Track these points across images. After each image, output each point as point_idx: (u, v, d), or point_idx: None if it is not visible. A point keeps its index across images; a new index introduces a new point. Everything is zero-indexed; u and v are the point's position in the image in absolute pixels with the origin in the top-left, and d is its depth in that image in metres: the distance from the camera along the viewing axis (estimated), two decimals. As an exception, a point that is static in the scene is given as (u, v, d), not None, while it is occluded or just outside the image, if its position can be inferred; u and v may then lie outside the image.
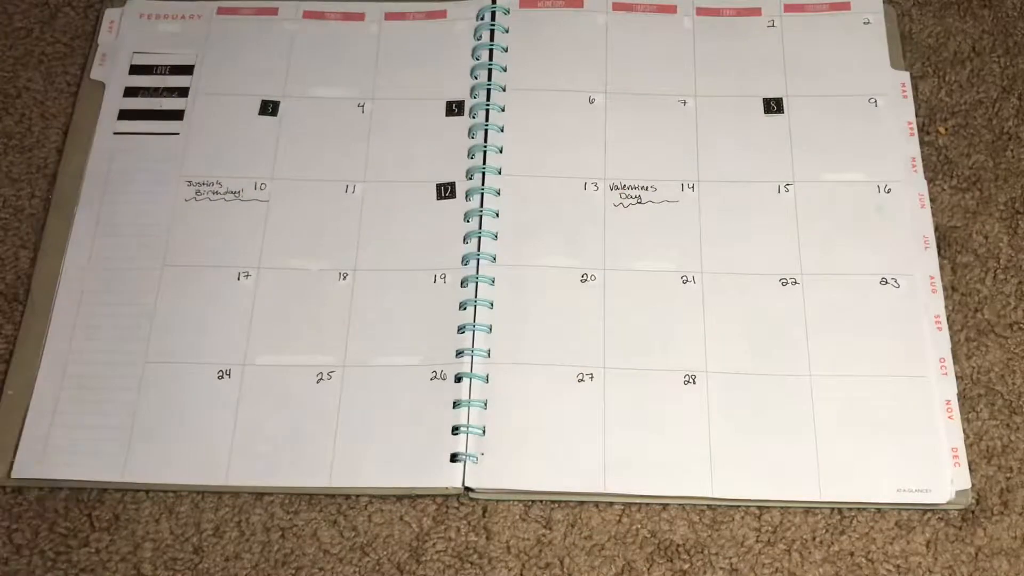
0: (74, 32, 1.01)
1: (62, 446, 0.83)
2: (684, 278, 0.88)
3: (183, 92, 0.97)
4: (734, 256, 0.89)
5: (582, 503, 0.81)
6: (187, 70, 0.98)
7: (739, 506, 0.81)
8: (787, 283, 0.87)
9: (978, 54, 0.98)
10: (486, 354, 0.85)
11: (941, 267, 0.88)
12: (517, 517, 0.81)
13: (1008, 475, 0.82)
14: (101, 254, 0.90)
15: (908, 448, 0.82)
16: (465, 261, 0.89)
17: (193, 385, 0.85)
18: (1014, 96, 0.96)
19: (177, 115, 0.96)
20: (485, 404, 0.83)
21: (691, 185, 0.91)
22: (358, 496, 0.82)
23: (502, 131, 0.94)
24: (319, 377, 0.85)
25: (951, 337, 0.86)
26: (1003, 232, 0.90)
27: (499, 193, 0.91)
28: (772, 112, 0.94)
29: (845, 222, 0.90)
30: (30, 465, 0.82)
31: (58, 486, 0.82)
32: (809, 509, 0.81)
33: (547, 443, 0.82)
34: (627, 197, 0.91)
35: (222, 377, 0.85)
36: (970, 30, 0.99)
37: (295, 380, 0.85)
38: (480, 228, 0.90)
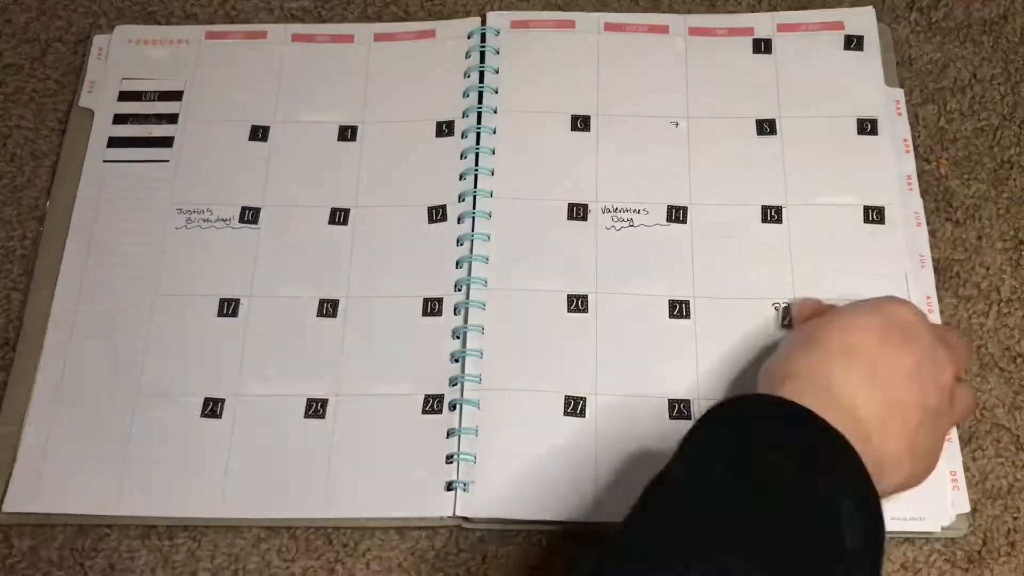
0: (65, 67, 1.00)
1: (55, 481, 0.82)
2: (676, 303, 0.87)
3: (172, 118, 0.96)
4: (727, 280, 0.88)
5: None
6: (176, 96, 0.97)
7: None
8: (780, 308, 0.87)
9: (979, 81, 0.97)
10: (477, 380, 0.85)
11: (941, 299, 0.87)
12: (518, 561, 0.80)
13: (1015, 515, 0.81)
14: (92, 284, 0.89)
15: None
16: (458, 287, 0.88)
17: (186, 416, 0.84)
18: (1015, 124, 0.95)
19: (167, 142, 0.95)
20: (476, 431, 0.83)
21: (683, 208, 0.90)
22: (356, 544, 0.81)
23: (493, 153, 0.93)
24: (311, 407, 0.84)
25: (955, 372, 0.85)
26: (1006, 264, 0.89)
27: (490, 216, 0.90)
28: (765, 133, 0.94)
29: (839, 245, 0.89)
30: (22, 500, 0.82)
31: (51, 522, 0.82)
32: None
33: (539, 471, 0.82)
34: (619, 220, 0.90)
35: (214, 408, 0.84)
36: (970, 56, 0.98)
37: (287, 410, 0.84)
38: (472, 253, 0.89)
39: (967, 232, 0.90)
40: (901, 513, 0.79)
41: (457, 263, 0.89)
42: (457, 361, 0.85)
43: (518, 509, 0.81)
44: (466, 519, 0.81)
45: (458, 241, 0.90)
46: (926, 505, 0.79)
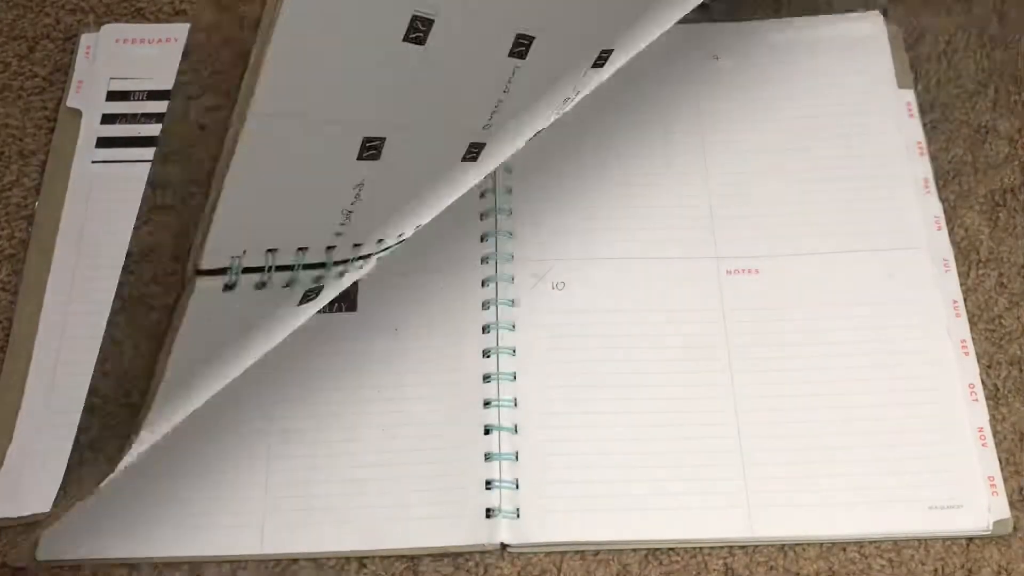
0: (53, 65, 0.98)
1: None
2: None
3: (161, 118, 0.93)
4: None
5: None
6: (165, 95, 0.93)
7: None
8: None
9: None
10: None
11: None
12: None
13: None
14: (83, 286, 0.87)
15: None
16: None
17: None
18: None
19: (156, 141, 0.92)
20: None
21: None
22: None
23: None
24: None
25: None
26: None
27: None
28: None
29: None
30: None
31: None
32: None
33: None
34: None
35: None
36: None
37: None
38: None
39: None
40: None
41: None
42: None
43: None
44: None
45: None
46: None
